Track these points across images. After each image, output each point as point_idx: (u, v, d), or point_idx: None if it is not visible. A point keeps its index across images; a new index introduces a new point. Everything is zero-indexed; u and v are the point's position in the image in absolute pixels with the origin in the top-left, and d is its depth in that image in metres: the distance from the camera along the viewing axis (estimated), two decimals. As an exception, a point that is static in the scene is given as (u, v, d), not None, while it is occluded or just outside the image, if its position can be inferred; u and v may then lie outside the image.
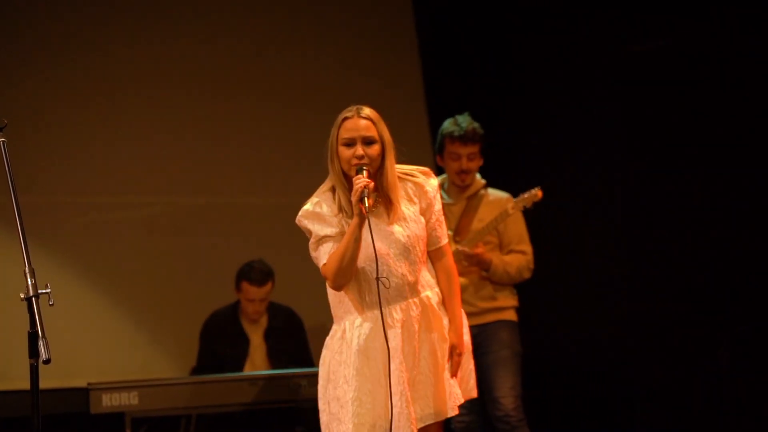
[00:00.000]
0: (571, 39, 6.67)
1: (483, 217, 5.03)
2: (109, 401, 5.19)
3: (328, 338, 3.65)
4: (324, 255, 3.52)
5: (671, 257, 6.25)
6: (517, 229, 5.09)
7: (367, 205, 3.40)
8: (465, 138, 5.03)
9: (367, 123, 3.55)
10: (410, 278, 3.57)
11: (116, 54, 6.76)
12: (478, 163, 5.12)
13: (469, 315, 4.99)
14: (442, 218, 3.73)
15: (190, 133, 6.89)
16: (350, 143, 3.53)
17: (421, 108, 7.28)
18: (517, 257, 5.03)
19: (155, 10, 6.91)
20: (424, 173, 3.74)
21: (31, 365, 2.75)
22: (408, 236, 3.57)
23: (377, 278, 3.50)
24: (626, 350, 6.38)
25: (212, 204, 6.89)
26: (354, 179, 3.48)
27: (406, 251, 3.56)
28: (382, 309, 3.51)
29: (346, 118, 3.57)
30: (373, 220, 3.51)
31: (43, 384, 2.84)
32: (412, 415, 3.46)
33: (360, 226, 3.44)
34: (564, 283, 6.54)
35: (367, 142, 3.53)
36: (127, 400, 5.20)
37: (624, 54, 6.39)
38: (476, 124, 5.08)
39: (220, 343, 5.93)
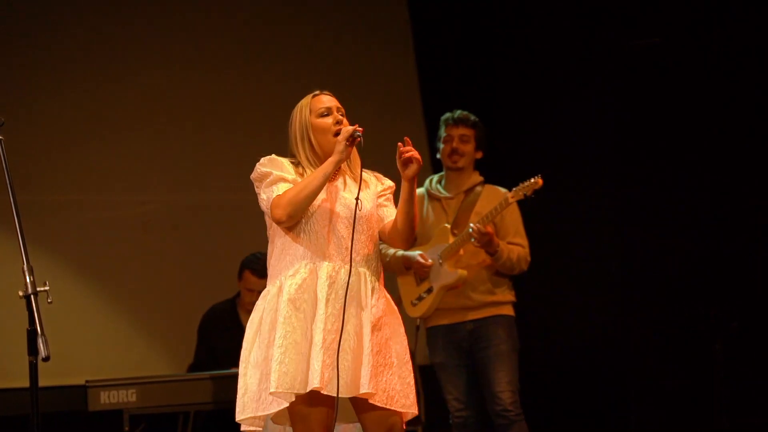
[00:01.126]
0: (569, 34, 6.67)
1: (481, 210, 5.04)
2: (108, 398, 5.19)
3: (259, 300, 3.58)
4: (279, 189, 3.51)
5: (666, 254, 6.26)
6: (515, 222, 5.10)
7: (355, 143, 3.47)
8: (457, 120, 5.13)
9: (335, 99, 3.65)
10: (348, 243, 3.50)
11: (112, 53, 6.77)
12: (472, 149, 5.14)
13: (467, 309, 5.03)
14: (392, 199, 3.72)
15: (185, 131, 6.90)
16: (326, 113, 3.59)
17: (417, 110, 7.29)
18: (517, 248, 5.04)
19: (147, 8, 6.91)
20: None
21: (31, 363, 2.75)
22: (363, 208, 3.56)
23: (357, 199, 3.51)
24: (622, 345, 6.39)
25: (208, 201, 6.89)
26: (343, 128, 3.51)
27: (351, 218, 3.53)
28: (319, 261, 3.48)
29: (314, 95, 3.65)
30: (334, 185, 3.55)
31: (42, 382, 2.83)
32: (335, 374, 3.36)
33: (336, 164, 3.47)
34: (560, 280, 6.54)
35: (341, 113, 3.61)
36: (125, 397, 5.21)
37: (621, 49, 6.39)
38: (473, 115, 5.15)
39: (218, 337, 5.95)
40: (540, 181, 4.83)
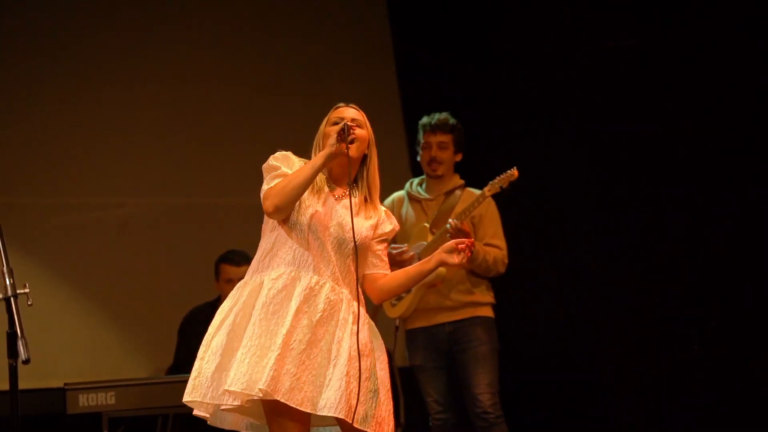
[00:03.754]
0: (548, 34, 6.69)
1: (460, 212, 5.04)
2: (86, 401, 5.16)
3: (234, 289, 3.57)
4: (273, 183, 3.49)
5: (645, 255, 6.29)
6: (492, 224, 5.10)
7: (347, 143, 3.45)
8: (435, 127, 5.11)
9: (356, 111, 3.63)
10: (335, 264, 3.49)
11: (95, 57, 6.75)
12: (451, 154, 5.14)
13: (446, 309, 5.03)
14: (386, 256, 3.68)
15: (163, 134, 6.89)
16: (339, 122, 3.56)
17: (397, 112, 7.29)
18: (494, 250, 5.04)
19: (132, 12, 6.90)
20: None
21: (11, 366, 2.73)
22: (357, 232, 3.52)
23: (349, 183, 3.51)
24: (601, 347, 6.42)
25: (187, 204, 6.88)
26: (342, 122, 3.52)
27: (342, 241, 3.51)
28: (303, 272, 3.44)
29: (337, 107, 3.65)
30: (333, 200, 3.54)
31: (20, 385, 2.81)
32: (301, 380, 3.34)
33: (325, 157, 3.45)
34: (539, 281, 6.56)
35: (356, 124, 3.58)
36: (104, 400, 5.17)
37: (599, 50, 6.42)
38: (452, 118, 5.13)
39: (198, 339, 5.89)
40: (515, 173, 4.81)
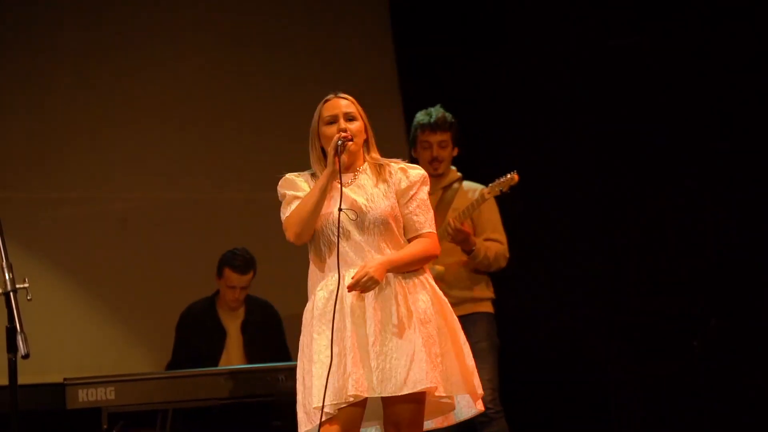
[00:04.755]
0: (551, 30, 6.67)
1: (458, 206, 5.05)
2: (86, 396, 5.16)
3: (305, 312, 3.66)
4: (289, 210, 3.61)
5: (647, 251, 6.28)
6: (492, 218, 5.11)
7: (341, 157, 3.53)
8: (435, 126, 5.10)
9: (347, 102, 3.68)
10: (365, 248, 3.56)
11: (94, 52, 6.73)
12: (450, 151, 5.14)
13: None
14: (427, 206, 3.70)
15: (164, 128, 6.87)
16: (333, 120, 3.64)
17: (396, 103, 7.28)
18: (495, 244, 5.04)
19: (134, 3, 6.89)
20: (411, 164, 3.79)
21: (10, 360, 2.73)
22: (372, 208, 3.59)
23: (339, 209, 3.53)
24: (602, 343, 6.40)
25: (187, 199, 6.86)
26: (335, 137, 3.56)
27: (362, 221, 3.57)
28: (341, 271, 3.52)
29: (326, 100, 3.70)
30: (344, 189, 3.58)
31: (19, 380, 2.82)
32: (361, 379, 3.42)
33: (329, 177, 3.54)
34: (539, 276, 6.55)
35: (349, 118, 3.64)
36: (104, 395, 5.18)
37: (601, 47, 6.40)
38: (448, 114, 5.12)
39: (196, 335, 5.92)
40: (516, 177, 4.84)
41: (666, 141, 6.14)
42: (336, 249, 3.54)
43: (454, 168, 5.21)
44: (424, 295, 3.59)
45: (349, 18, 7.37)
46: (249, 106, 7.01)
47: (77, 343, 6.49)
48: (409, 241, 3.66)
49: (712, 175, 6.00)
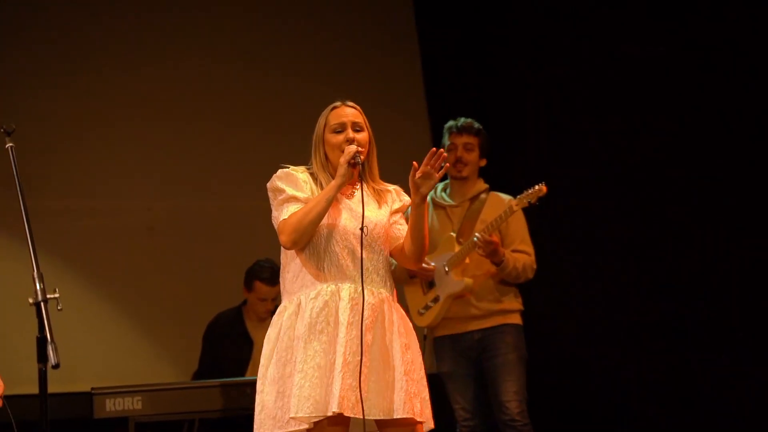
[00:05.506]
0: (574, 39, 6.66)
1: (486, 218, 5.03)
2: (113, 406, 5.17)
3: (275, 316, 3.58)
4: (287, 212, 3.51)
5: (677, 260, 6.23)
6: (520, 229, 5.10)
7: (356, 168, 3.47)
8: (461, 129, 5.14)
9: (354, 111, 3.63)
10: (367, 264, 3.51)
11: (120, 62, 6.78)
12: (477, 157, 5.14)
13: (474, 318, 5.02)
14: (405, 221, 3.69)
15: (194, 137, 6.90)
16: (340, 129, 3.58)
17: (422, 114, 7.28)
18: (523, 256, 5.03)
19: (151, 19, 6.92)
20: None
21: (40, 370, 2.74)
22: (375, 224, 3.55)
23: (361, 228, 3.46)
24: (631, 354, 6.36)
25: (215, 207, 6.88)
26: (346, 148, 3.51)
27: (370, 238, 3.53)
28: (341, 283, 3.48)
29: (334, 107, 3.64)
30: (346, 200, 3.55)
31: (48, 388, 2.82)
32: (360, 396, 3.36)
33: (338, 187, 3.47)
34: (568, 287, 6.52)
35: (356, 128, 3.58)
36: (131, 404, 5.18)
37: (625, 56, 6.38)
38: (477, 123, 5.15)
39: (224, 345, 5.93)
40: (544, 188, 4.83)
41: (692, 147, 6.10)
42: (340, 260, 3.48)
43: (481, 179, 5.20)
44: (405, 320, 3.59)
45: (376, 27, 7.39)
46: (277, 116, 7.02)
47: (105, 353, 6.51)
48: (392, 251, 3.63)
49: (737, 183, 5.95)
